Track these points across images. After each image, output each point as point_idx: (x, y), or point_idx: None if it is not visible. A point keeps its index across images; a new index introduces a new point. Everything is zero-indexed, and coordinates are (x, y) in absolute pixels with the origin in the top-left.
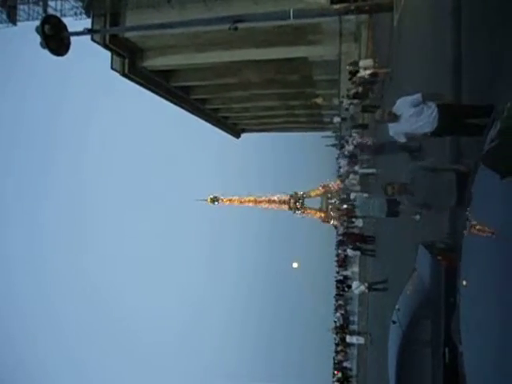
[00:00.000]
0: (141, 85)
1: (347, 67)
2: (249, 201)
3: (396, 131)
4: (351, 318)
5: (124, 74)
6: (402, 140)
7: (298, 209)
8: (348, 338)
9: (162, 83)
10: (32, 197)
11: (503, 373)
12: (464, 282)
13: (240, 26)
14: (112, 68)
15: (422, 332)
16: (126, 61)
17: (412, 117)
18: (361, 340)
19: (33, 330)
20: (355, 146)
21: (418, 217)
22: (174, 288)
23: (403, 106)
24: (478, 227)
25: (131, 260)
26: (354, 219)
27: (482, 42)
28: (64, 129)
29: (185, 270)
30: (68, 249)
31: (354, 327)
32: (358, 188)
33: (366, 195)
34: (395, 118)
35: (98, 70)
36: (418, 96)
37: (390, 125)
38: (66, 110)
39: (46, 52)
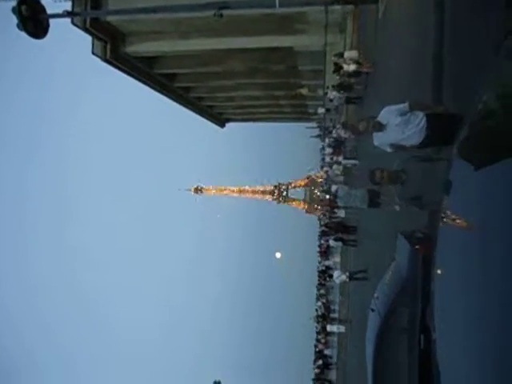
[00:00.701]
0: (123, 71)
1: (332, 58)
2: (233, 191)
3: (381, 141)
4: (332, 307)
5: (105, 60)
6: (388, 150)
7: (281, 199)
8: (329, 327)
9: (145, 70)
10: (14, 186)
11: (473, 359)
12: (439, 271)
13: (225, 12)
14: (93, 53)
15: (399, 319)
16: (108, 46)
17: (398, 126)
18: (341, 329)
19: (19, 331)
20: (343, 128)
21: (398, 207)
22: (156, 281)
23: (389, 114)
24: (452, 217)
25: (113, 252)
26: (336, 210)
27: (465, 36)
28: (46, 115)
29: (167, 260)
30: (51, 244)
31: (335, 315)
32: (341, 179)
33: (346, 187)
34: (380, 127)
35: (79, 56)
36: (405, 105)
37: (375, 134)
38: (48, 95)
39: (24, 35)
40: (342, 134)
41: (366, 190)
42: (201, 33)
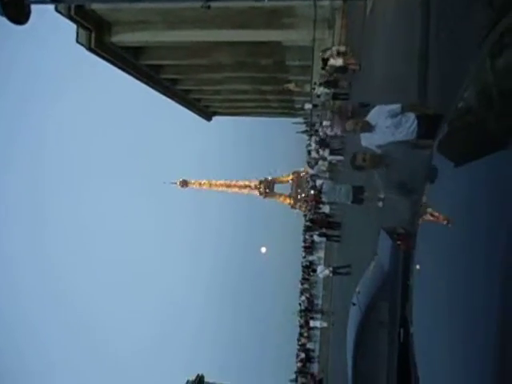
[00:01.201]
0: (108, 61)
1: (320, 54)
2: (219, 185)
3: (369, 142)
4: (315, 302)
5: (90, 49)
6: (376, 151)
7: (267, 194)
8: (312, 323)
9: (131, 60)
10: None
11: (451, 353)
12: (417, 267)
13: (213, 4)
14: (77, 41)
15: (380, 313)
16: (93, 35)
17: (389, 129)
18: (324, 324)
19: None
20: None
21: (381, 203)
22: (139, 276)
23: (379, 115)
24: (432, 214)
25: (97, 249)
26: (321, 205)
27: (450, 33)
28: (27, 104)
29: (151, 255)
30: (33, 241)
31: (318, 308)
32: (326, 175)
33: (331, 182)
34: (369, 128)
35: (64, 44)
36: (396, 107)
37: (363, 135)
38: (30, 84)
39: (5, 20)
40: (329, 132)
41: (351, 186)
42: (188, 24)
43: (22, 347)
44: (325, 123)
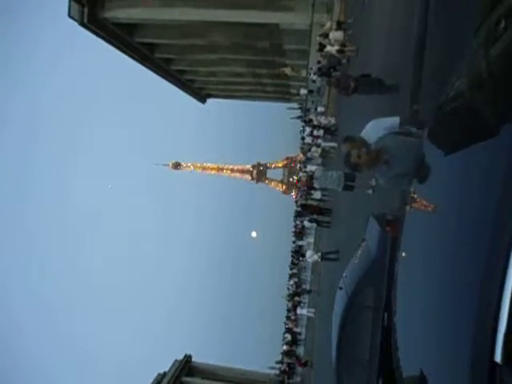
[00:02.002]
0: (101, 37)
1: (317, 38)
2: (211, 168)
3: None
4: (304, 286)
5: (82, 24)
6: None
7: (260, 179)
8: (299, 310)
9: (125, 38)
10: None
11: (431, 336)
12: (403, 254)
13: None
14: (69, 16)
15: (365, 298)
16: (86, 9)
17: None
18: (311, 313)
19: None
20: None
21: (371, 191)
22: (126, 257)
23: (375, 131)
24: (420, 202)
25: (84, 231)
26: (312, 191)
27: (447, 23)
28: (16, 81)
29: (141, 238)
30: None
31: (305, 289)
32: (319, 161)
33: (322, 168)
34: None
35: (55, 18)
36: (394, 121)
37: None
38: (20, 59)
39: None
40: (322, 120)
41: (343, 173)
42: (185, 2)
43: (12, 349)
44: (319, 109)
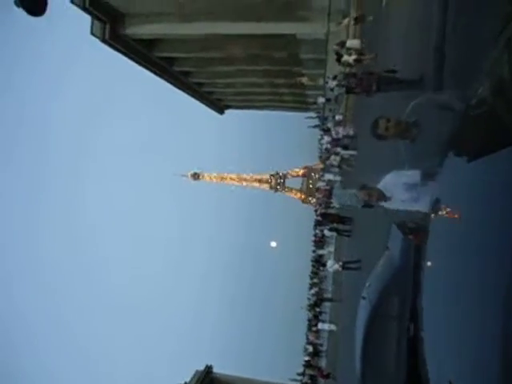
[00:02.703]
0: (122, 53)
1: (334, 47)
2: (230, 178)
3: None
4: (325, 295)
5: (104, 40)
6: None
7: (278, 188)
8: (320, 325)
9: (145, 53)
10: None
11: (460, 349)
12: (429, 263)
13: None
14: (92, 33)
15: (389, 308)
16: (107, 26)
17: (405, 203)
18: (332, 327)
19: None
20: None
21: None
22: (146, 269)
23: (395, 186)
24: (444, 209)
25: (105, 238)
26: (332, 200)
27: (467, 27)
28: (41, 96)
29: (158, 248)
30: (29, 233)
31: (327, 305)
32: (336, 170)
33: (340, 185)
34: (384, 198)
35: (78, 36)
36: (414, 174)
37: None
38: (44, 76)
39: (22, 12)
40: (341, 131)
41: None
42: (202, 16)
43: (18, 349)
44: (337, 117)
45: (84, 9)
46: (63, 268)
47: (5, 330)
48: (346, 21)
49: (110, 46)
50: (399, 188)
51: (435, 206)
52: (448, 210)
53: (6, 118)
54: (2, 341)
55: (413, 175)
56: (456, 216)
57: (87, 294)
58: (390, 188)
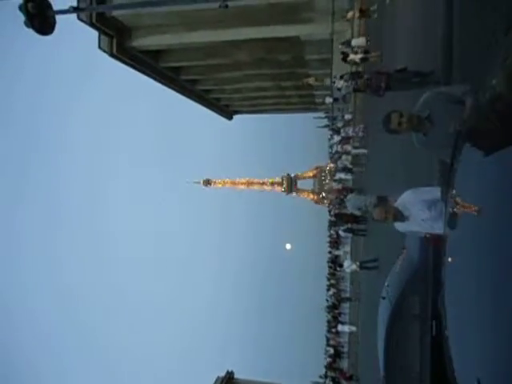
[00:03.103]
0: (129, 65)
1: (339, 46)
2: (241, 183)
3: (404, 229)
4: (343, 295)
5: (112, 54)
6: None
7: (290, 190)
8: (340, 327)
9: (152, 63)
10: (13, 177)
11: (486, 344)
12: (449, 259)
13: (230, 3)
14: (99, 48)
15: (410, 307)
16: (114, 40)
17: (426, 222)
18: (353, 328)
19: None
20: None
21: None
22: (162, 275)
23: (413, 204)
24: (462, 205)
25: (120, 246)
26: (345, 200)
27: (474, 20)
28: (50, 110)
29: (176, 253)
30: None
31: (346, 305)
32: (348, 169)
33: (350, 176)
34: (401, 217)
35: (84, 50)
36: (434, 191)
37: (397, 223)
38: (52, 90)
39: (31, 31)
40: (350, 132)
41: (376, 197)
42: (207, 25)
43: (34, 351)
44: (346, 117)
45: (91, 24)
46: (92, 281)
47: (35, 333)
48: (350, 14)
49: (118, 59)
50: (417, 205)
51: (451, 222)
52: (465, 204)
53: (22, 136)
54: (29, 342)
55: (432, 191)
56: (475, 209)
57: (109, 308)
58: (408, 205)
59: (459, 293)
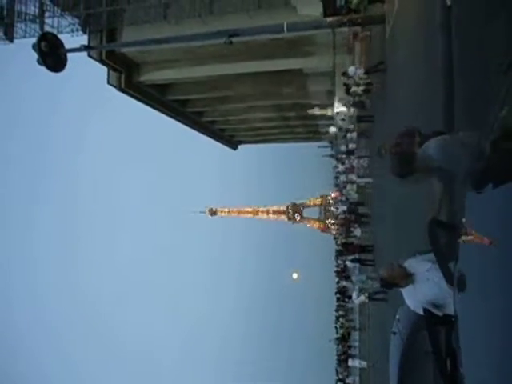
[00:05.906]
0: (137, 99)
1: (341, 78)
2: (247, 212)
3: (415, 302)
4: (353, 325)
5: (120, 89)
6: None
7: (296, 219)
8: (350, 362)
9: (159, 97)
10: (25, 206)
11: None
12: (462, 293)
13: (235, 39)
14: (108, 83)
15: (423, 343)
16: (123, 76)
17: (430, 272)
18: (363, 364)
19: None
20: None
21: None
22: (174, 299)
23: (417, 264)
24: (474, 234)
25: (128, 273)
26: (352, 229)
27: (473, 54)
28: (60, 143)
29: (185, 282)
30: (61, 261)
31: (356, 337)
32: (355, 197)
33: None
34: (407, 276)
35: (93, 85)
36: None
37: (404, 290)
38: (62, 125)
39: (43, 69)
40: (355, 163)
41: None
42: (212, 59)
43: (42, 350)
44: (351, 146)
45: (101, 61)
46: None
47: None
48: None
49: (126, 93)
50: (421, 263)
51: (460, 281)
52: (478, 235)
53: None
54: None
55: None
56: (487, 241)
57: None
58: (413, 265)
59: (473, 328)
